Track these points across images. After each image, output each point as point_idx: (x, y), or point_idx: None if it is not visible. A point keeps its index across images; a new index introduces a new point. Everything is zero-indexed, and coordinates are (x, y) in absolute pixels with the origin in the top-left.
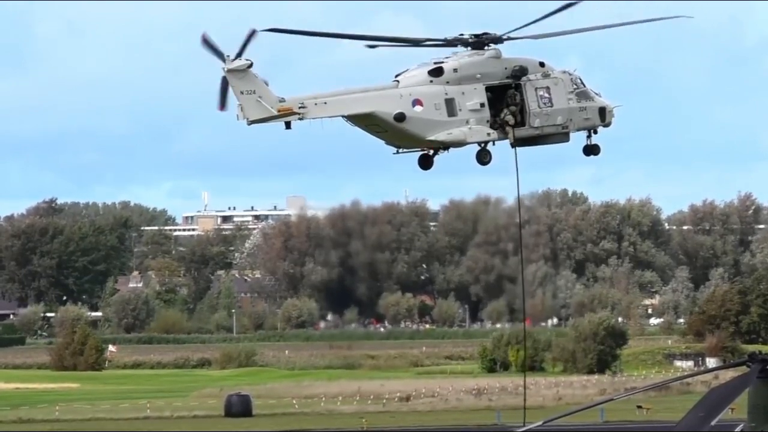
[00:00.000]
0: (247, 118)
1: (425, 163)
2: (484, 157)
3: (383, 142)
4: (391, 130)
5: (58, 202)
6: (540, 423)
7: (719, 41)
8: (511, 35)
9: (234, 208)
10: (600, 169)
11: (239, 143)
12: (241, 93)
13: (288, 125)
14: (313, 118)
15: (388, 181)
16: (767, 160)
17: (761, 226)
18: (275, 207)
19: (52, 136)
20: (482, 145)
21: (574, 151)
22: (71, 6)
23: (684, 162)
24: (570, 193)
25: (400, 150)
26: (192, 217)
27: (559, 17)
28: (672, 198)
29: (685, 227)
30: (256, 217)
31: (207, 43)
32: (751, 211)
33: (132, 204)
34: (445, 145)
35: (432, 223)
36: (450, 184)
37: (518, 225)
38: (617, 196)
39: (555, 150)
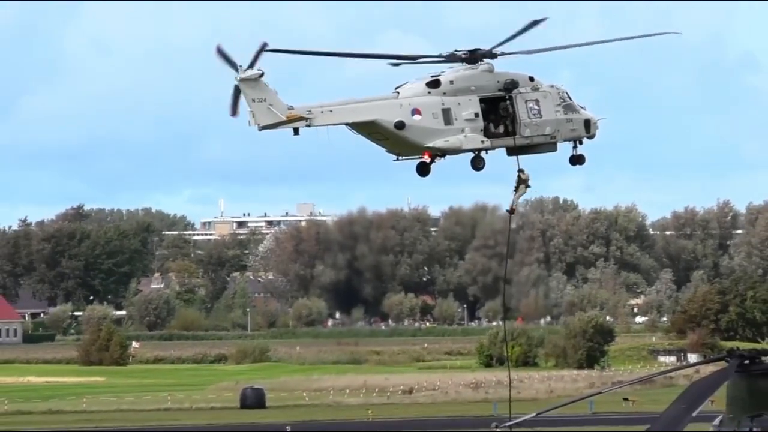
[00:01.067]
0: (258, 124)
1: (423, 170)
2: (478, 164)
3: (384, 150)
4: (392, 138)
5: (85, 208)
6: (533, 414)
7: (701, 56)
8: (504, 50)
9: (248, 215)
10: (589, 178)
11: (253, 154)
12: (253, 101)
13: (296, 131)
14: (320, 126)
15: (392, 189)
16: (744, 170)
17: (738, 231)
18: (287, 213)
19: (80, 146)
20: (476, 152)
21: (564, 161)
22: (98, 24)
23: (667, 171)
24: (561, 201)
25: (400, 157)
26: (209, 222)
27: (551, 32)
28: (656, 205)
29: (668, 232)
30: (269, 222)
31: (221, 53)
32: (729, 217)
33: (153, 210)
34: (442, 152)
35: (433, 228)
36: (450, 192)
37: (515, 230)
38: (605, 204)
39: (546, 160)
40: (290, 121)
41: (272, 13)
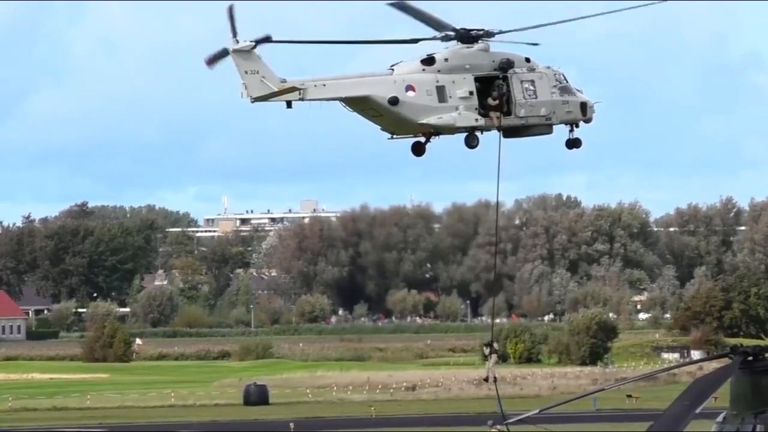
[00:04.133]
0: (251, 96)
1: (418, 150)
2: (472, 141)
3: (379, 128)
4: (386, 114)
5: (89, 205)
6: (536, 411)
7: (705, 54)
8: (499, 29)
9: (251, 211)
10: (593, 175)
11: (257, 151)
12: (246, 72)
13: (289, 104)
14: (312, 100)
15: (395, 186)
16: (747, 167)
17: (742, 228)
18: (290, 210)
19: (86, 144)
20: (470, 130)
21: (568, 159)
22: (104, 23)
23: (670, 168)
24: (565, 197)
25: (395, 136)
26: (213, 219)
27: (553, 31)
28: (659, 202)
29: (671, 229)
30: (272, 219)
31: (230, 15)
32: (732, 214)
33: (157, 207)
34: (436, 129)
35: (436, 225)
36: (452, 189)
37: (518, 227)
38: (609, 201)
39: (549, 158)
40: (282, 92)
41: (275, 12)
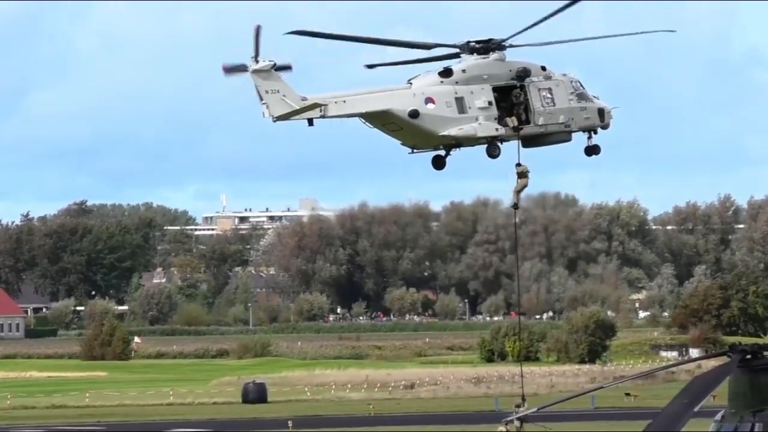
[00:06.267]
0: (272, 115)
1: (438, 163)
2: (493, 151)
3: (399, 142)
4: (406, 127)
5: (88, 203)
6: (534, 409)
7: (703, 52)
8: (513, 42)
9: (250, 210)
10: (592, 173)
11: (255, 149)
12: (266, 92)
13: (310, 122)
14: (334, 116)
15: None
16: (745, 165)
17: (740, 226)
18: (288, 208)
19: (86, 142)
20: (491, 140)
21: (567, 156)
22: (105, 20)
23: (669, 167)
24: (563, 196)
25: (415, 150)
26: (211, 217)
27: (553, 32)
28: (657, 200)
29: (669, 227)
30: (271, 217)
31: (229, 71)
32: (730, 212)
33: (155, 205)
34: (457, 141)
35: (434, 223)
36: (451, 187)
37: (520, 225)
38: (607, 199)
39: (548, 156)
40: (304, 110)
41: (278, 10)
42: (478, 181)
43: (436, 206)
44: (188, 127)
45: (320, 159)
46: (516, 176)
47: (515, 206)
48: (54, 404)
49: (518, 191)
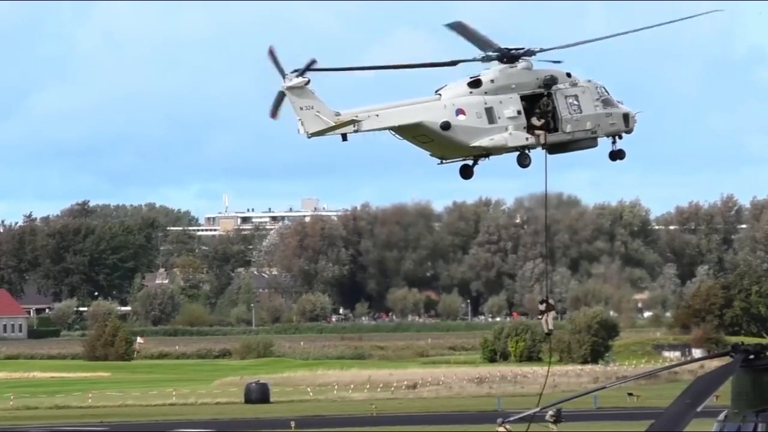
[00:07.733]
0: (307, 132)
1: (466, 173)
2: (524, 161)
3: (429, 153)
4: (437, 139)
5: (91, 204)
6: (537, 409)
7: (706, 51)
8: (535, 48)
9: (252, 210)
10: (594, 174)
11: (257, 150)
12: (301, 108)
13: (344, 137)
14: (367, 131)
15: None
16: (748, 165)
17: (743, 226)
18: (291, 209)
19: (88, 142)
20: (522, 149)
21: (569, 156)
22: (107, 20)
23: (671, 166)
24: (565, 196)
25: (444, 161)
26: (214, 218)
27: (556, 32)
28: (660, 200)
29: (672, 227)
30: (273, 218)
31: (272, 56)
32: (733, 212)
33: (158, 206)
34: (488, 151)
35: (437, 224)
36: (453, 187)
37: (519, 225)
38: (609, 199)
39: (550, 156)
40: (338, 126)
41: (280, 10)
42: (480, 181)
43: (439, 206)
44: (191, 127)
45: (323, 159)
46: (545, 310)
47: (549, 333)
48: (57, 405)
49: (549, 322)
